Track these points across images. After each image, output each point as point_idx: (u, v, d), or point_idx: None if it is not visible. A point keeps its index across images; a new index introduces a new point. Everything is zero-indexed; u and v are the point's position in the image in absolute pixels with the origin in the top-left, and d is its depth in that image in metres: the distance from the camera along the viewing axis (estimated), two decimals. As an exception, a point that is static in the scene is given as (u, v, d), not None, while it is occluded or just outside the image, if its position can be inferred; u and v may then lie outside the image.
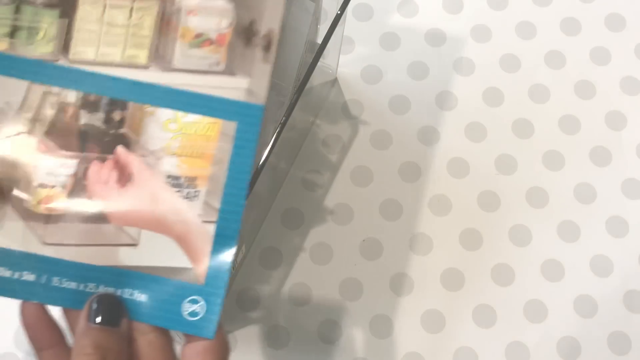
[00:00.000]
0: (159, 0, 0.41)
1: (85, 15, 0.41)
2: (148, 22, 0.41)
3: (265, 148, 0.58)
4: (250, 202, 0.57)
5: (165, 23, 0.41)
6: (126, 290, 0.40)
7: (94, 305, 0.39)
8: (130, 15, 0.41)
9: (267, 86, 0.40)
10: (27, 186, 0.40)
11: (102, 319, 0.38)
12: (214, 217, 0.40)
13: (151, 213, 0.39)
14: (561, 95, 0.78)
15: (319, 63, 0.60)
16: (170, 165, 0.40)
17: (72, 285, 0.40)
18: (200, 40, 0.41)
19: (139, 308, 0.39)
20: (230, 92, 0.40)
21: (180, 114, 0.40)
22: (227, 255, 0.39)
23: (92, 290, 0.40)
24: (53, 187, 0.40)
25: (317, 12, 0.61)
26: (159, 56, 0.41)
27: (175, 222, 0.39)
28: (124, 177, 0.40)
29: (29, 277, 0.41)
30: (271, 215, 0.72)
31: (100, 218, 0.40)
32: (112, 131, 0.41)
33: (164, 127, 0.40)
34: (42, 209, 0.40)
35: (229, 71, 0.41)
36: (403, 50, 0.79)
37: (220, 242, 0.39)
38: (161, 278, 0.40)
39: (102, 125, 0.41)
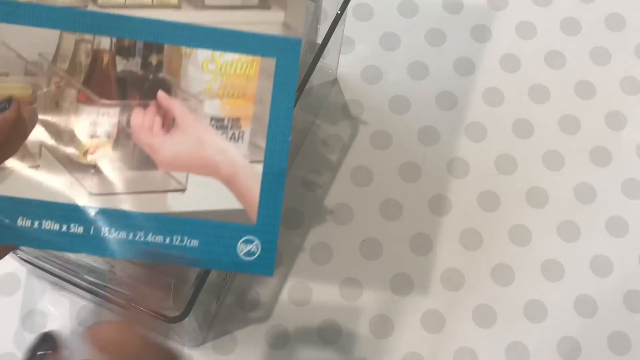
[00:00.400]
0: None
1: None
2: None
3: None
4: None
5: None
6: (176, 236, 0.39)
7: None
8: None
9: (303, 18, 0.39)
10: (70, 138, 0.40)
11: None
12: (261, 157, 0.39)
13: (198, 156, 0.39)
14: (561, 95, 0.78)
15: (319, 63, 0.60)
16: (212, 107, 0.39)
17: (122, 235, 0.39)
18: None
19: (192, 254, 0.39)
20: (266, 27, 0.39)
21: (217, 53, 0.39)
22: (277, 193, 0.39)
23: (141, 239, 0.39)
24: (97, 137, 0.40)
25: (317, 12, 0.61)
26: None
27: (222, 163, 0.39)
28: (168, 122, 0.39)
29: (77, 229, 0.40)
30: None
31: (146, 165, 0.40)
32: (150, 76, 0.40)
33: (203, 69, 0.39)
34: (87, 159, 0.40)
35: (264, 5, 0.40)
36: (403, 50, 0.79)
37: (269, 181, 0.39)
38: (212, 222, 0.39)
39: (139, 71, 0.40)
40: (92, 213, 0.40)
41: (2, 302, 0.68)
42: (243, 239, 0.39)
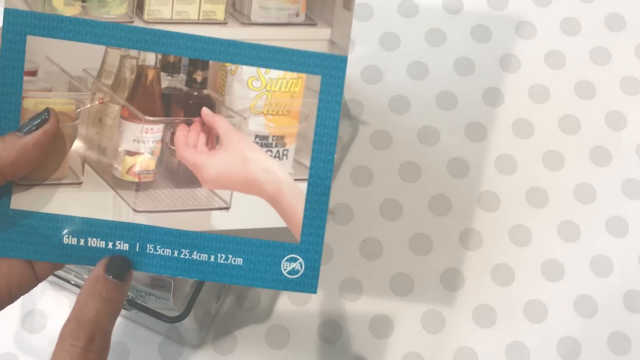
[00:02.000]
0: None
1: None
2: None
3: None
4: None
5: None
6: (220, 254, 0.39)
7: (110, 261, 0.39)
8: None
9: (349, 36, 0.39)
10: (114, 154, 0.40)
11: (114, 274, 0.39)
12: (305, 175, 0.39)
13: (243, 174, 0.39)
14: (561, 95, 0.78)
15: None
16: (257, 124, 0.39)
17: (167, 252, 0.40)
18: None
19: (236, 272, 0.39)
20: (312, 44, 0.39)
21: (263, 70, 0.39)
22: (322, 212, 0.39)
23: (186, 257, 0.39)
24: (140, 153, 0.40)
25: None
26: (236, 10, 0.39)
27: (267, 182, 0.39)
28: (212, 139, 0.39)
29: (122, 246, 0.40)
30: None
31: (190, 182, 0.40)
32: (195, 93, 0.40)
33: (248, 85, 0.39)
34: (130, 176, 0.40)
35: (309, 21, 0.40)
36: (403, 50, 0.79)
37: (313, 199, 0.39)
38: (256, 240, 0.39)
39: (184, 87, 0.40)
40: (136, 230, 0.40)
41: (2, 302, 0.68)
42: (287, 258, 0.39)
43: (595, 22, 0.81)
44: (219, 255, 0.39)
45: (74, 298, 0.68)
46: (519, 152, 0.75)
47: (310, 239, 0.39)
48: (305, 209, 0.39)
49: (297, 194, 0.39)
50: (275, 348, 0.68)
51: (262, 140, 0.39)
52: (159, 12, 0.40)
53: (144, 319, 0.63)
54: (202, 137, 0.39)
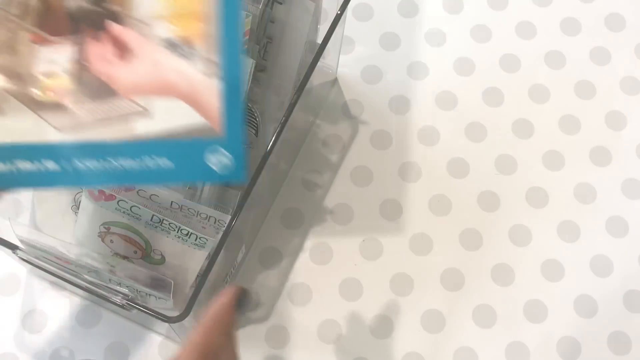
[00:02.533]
0: None
1: None
2: None
3: (265, 148, 0.58)
4: (249, 203, 0.57)
5: None
6: (147, 158, 0.40)
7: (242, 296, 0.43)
8: None
9: None
10: (31, 78, 0.41)
11: (242, 310, 0.43)
12: (217, 70, 0.40)
13: (157, 79, 0.40)
14: (561, 95, 0.78)
15: (319, 63, 0.60)
16: (163, 30, 0.40)
17: (95, 164, 0.40)
18: None
19: (165, 172, 0.40)
20: None
21: None
22: (238, 103, 0.40)
23: (114, 166, 0.40)
24: (56, 73, 0.41)
25: (317, 12, 0.61)
26: None
27: (181, 82, 0.40)
28: (123, 50, 0.40)
29: (51, 165, 0.41)
30: (271, 215, 0.72)
31: (108, 94, 0.41)
32: (99, 8, 0.41)
33: None
34: (50, 97, 0.41)
35: None
36: (403, 50, 0.79)
37: (228, 91, 0.40)
38: (180, 140, 0.40)
39: (88, 5, 0.41)
40: (62, 148, 0.40)
41: (2, 302, 0.68)
42: (212, 151, 0.40)
43: (595, 22, 0.81)
44: (146, 159, 0.40)
45: (74, 298, 0.68)
46: (519, 152, 0.75)
47: (231, 130, 0.40)
48: (222, 101, 0.40)
49: (211, 89, 0.40)
50: (275, 348, 0.68)
51: (170, 44, 0.41)
52: None
53: (143, 319, 0.63)
54: (113, 50, 0.40)
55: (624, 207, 0.73)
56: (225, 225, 0.56)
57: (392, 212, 0.73)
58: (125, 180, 0.41)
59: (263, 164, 0.57)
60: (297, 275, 0.70)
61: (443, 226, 0.72)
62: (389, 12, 0.80)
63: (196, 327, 0.43)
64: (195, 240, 0.56)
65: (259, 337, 0.68)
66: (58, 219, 0.64)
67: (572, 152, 0.75)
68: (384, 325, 0.69)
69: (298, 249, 0.71)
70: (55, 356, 0.67)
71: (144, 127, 0.40)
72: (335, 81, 0.77)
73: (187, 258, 0.58)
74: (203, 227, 0.57)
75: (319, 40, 0.61)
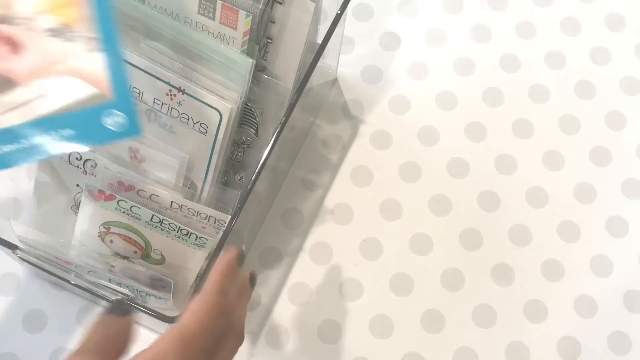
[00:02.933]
0: None
1: None
2: None
3: (265, 148, 0.58)
4: (249, 203, 0.57)
5: None
6: (53, 132, 0.45)
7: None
8: None
9: None
10: None
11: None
12: (98, 44, 0.46)
13: (47, 63, 0.45)
14: (561, 95, 0.78)
15: (318, 63, 0.60)
16: (46, 21, 0.45)
17: (10, 147, 0.45)
18: None
19: (70, 141, 0.45)
20: None
21: None
22: (120, 67, 0.45)
23: (26, 145, 0.45)
24: None
25: (317, 12, 0.61)
26: None
27: (68, 62, 0.45)
28: (15, 46, 0.45)
29: None
30: (271, 215, 0.72)
31: (10, 85, 0.45)
32: None
33: None
34: None
35: None
36: (403, 50, 0.79)
37: (110, 60, 0.45)
38: (77, 111, 0.45)
39: None
40: None
41: (2, 302, 0.68)
42: (107, 114, 0.45)
43: (595, 22, 0.81)
44: (52, 133, 0.45)
45: (74, 298, 0.68)
46: (519, 152, 0.75)
47: (119, 92, 0.45)
48: (107, 68, 0.45)
49: (96, 62, 0.45)
50: (276, 348, 0.68)
51: (53, 33, 0.46)
52: None
53: (144, 319, 0.63)
54: (6, 47, 0.45)
55: (624, 207, 0.73)
56: (225, 225, 0.56)
57: (392, 212, 0.73)
58: (40, 155, 0.45)
59: (263, 164, 0.57)
60: (297, 275, 0.70)
61: (443, 226, 0.72)
62: (389, 12, 0.81)
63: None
64: (196, 240, 0.56)
65: (259, 337, 0.68)
66: (58, 219, 0.64)
67: (572, 152, 0.75)
68: (384, 325, 0.69)
69: (298, 249, 0.71)
70: (55, 356, 0.67)
71: (44, 107, 0.45)
72: (335, 81, 0.77)
73: (187, 258, 0.58)
74: (203, 227, 0.57)
75: (319, 40, 0.61)
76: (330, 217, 0.72)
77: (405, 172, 0.74)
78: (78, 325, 0.68)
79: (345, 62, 0.78)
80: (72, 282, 0.57)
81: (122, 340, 0.45)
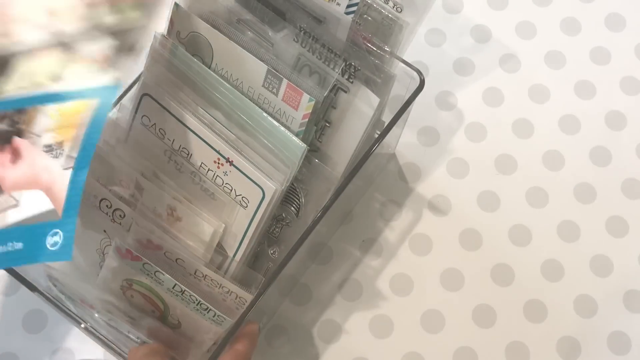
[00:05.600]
0: (63, 48, 0.51)
1: None
2: (53, 63, 0.51)
3: (303, 229, 0.57)
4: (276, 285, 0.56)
5: (65, 58, 0.51)
6: (10, 243, 0.47)
7: None
8: None
9: (128, 75, 0.52)
10: None
11: None
12: (72, 164, 0.48)
13: (31, 175, 0.48)
14: (561, 95, 0.78)
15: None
16: (47, 138, 0.49)
17: None
18: (88, 61, 0.51)
19: (16, 255, 0.46)
20: (102, 82, 0.51)
21: (61, 106, 0.50)
22: (79, 184, 0.47)
23: None
24: None
25: (381, 106, 0.59)
26: (55, 77, 0.50)
27: (45, 176, 0.48)
28: (15, 157, 0.49)
29: None
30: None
31: None
32: (10, 128, 0.49)
33: (50, 115, 0.50)
34: None
35: (104, 71, 0.51)
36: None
37: (74, 179, 0.47)
38: (33, 224, 0.47)
39: (3, 126, 0.50)
40: None
41: (2, 302, 0.68)
42: (51, 233, 0.46)
43: (595, 22, 0.81)
44: (8, 244, 0.47)
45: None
46: (519, 152, 0.75)
47: (68, 212, 0.46)
48: (68, 188, 0.47)
49: (65, 180, 0.47)
50: (276, 348, 0.68)
51: (48, 148, 0.49)
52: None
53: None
54: (8, 157, 0.49)
55: (624, 207, 0.73)
56: (247, 304, 0.55)
57: (392, 212, 0.73)
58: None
59: (295, 249, 0.57)
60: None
61: (443, 226, 0.72)
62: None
63: None
64: (214, 317, 0.55)
65: (259, 337, 0.68)
66: (84, 257, 0.63)
67: (572, 152, 0.75)
68: (384, 325, 0.69)
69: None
70: (55, 356, 0.67)
71: (13, 217, 0.47)
72: (393, 156, 0.75)
73: (203, 330, 0.56)
74: (223, 299, 0.56)
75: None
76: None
77: (406, 172, 0.74)
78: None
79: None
80: (92, 332, 0.57)
81: None
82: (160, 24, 0.55)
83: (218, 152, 0.56)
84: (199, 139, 0.56)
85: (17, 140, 0.49)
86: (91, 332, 0.56)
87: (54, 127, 0.49)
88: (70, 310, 0.56)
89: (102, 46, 0.52)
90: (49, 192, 0.47)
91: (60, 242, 0.46)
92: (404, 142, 0.75)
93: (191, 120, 0.56)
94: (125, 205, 0.55)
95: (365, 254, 0.71)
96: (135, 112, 0.58)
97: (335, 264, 0.71)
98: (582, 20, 0.80)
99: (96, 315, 0.55)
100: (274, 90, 0.57)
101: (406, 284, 0.70)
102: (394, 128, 0.61)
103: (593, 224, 0.73)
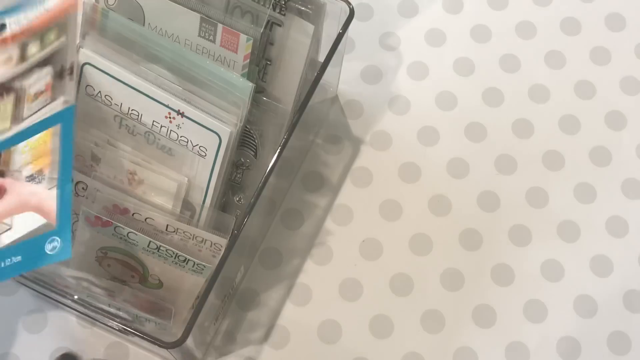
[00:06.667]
0: (14, 93, 0.54)
1: None
2: (9, 108, 0.54)
3: (264, 170, 0.58)
4: (248, 225, 0.57)
5: (18, 100, 0.54)
6: (7, 260, 0.51)
7: None
8: None
9: (74, 93, 0.55)
10: None
11: None
12: (55, 183, 0.52)
13: (18, 203, 0.52)
14: (561, 95, 0.78)
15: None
16: (27, 170, 0.53)
17: None
18: (37, 94, 0.54)
19: (18, 265, 0.51)
20: (57, 107, 0.54)
21: (30, 140, 0.53)
22: (67, 202, 0.51)
23: None
24: None
25: (318, 32, 0.61)
26: (16, 118, 0.54)
27: (33, 199, 0.52)
28: (1, 193, 0.52)
29: None
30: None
31: None
32: None
33: (22, 152, 0.53)
34: None
35: (53, 99, 0.54)
36: (403, 50, 0.79)
37: (61, 195, 0.51)
38: (29, 240, 0.51)
39: None
40: None
41: (2, 302, 0.68)
42: (49, 240, 0.51)
43: (595, 22, 0.81)
44: (6, 260, 0.51)
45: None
46: (519, 152, 0.75)
47: (62, 221, 0.51)
48: (57, 201, 0.51)
49: (51, 197, 0.52)
50: (276, 348, 0.68)
51: (29, 177, 0.52)
52: None
53: (143, 342, 0.62)
54: None
55: (624, 207, 0.73)
56: (222, 249, 0.56)
57: (392, 212, 0.73)
58: None
59: (262, 187, 0.57)
60: (297, 275, 0.70)
61: (443, 226, 0.72)
62: (389, 12, 0.80)
63: None
64: (193, 266, 0.56)
65: (259, 337, 0.68)
66: None
67: (572, 152, 0.75)
68: (384, 325, 0.69)
69: (298, 250, 0.71)
70: (55, 356, 0.67)
71: (8, 238, 0.51)
72: (335, 98, 0.76)
73: (184, 283, 0.58)
74: (199, 250, 0.57)
75: (321, 59, 0.61)
76: (330, 218, 0.72)
77: (406, 172, 0.74)
78: (78, 325, 0.68)
79: (344, 61, 0.77)
80: (71, 306, 0.57)
81: None
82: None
83: (167, 107, 0.57)
84: (147, 97, 0.57)
85: (1, 180, 0.53)
86: (82, 304, 0.56)
87: (30, 159, 0.53)
88: (48, 294, 0.57)
89: (42, 77, 0.55)
90: (39, 210, 0.52)
91: (59, 245, 0.50)
92: (400, 139, 0.75)
93: (135, 80, 0.56)
94: (86, 176, 0.57)
95: (365, 254, 0.71)
96: (79, 84, 0.58)
97: (335, 264, 0.71)
98: (582, 20, 0.80)
99: (73, 293, 0.56)
100: (211, 37, 0.58)
101: (406, 284, 0.70)
102: (333, 66, 0.62)
103: (593, 224, 0.73)
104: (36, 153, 0.53)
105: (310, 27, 0.59)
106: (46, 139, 0.53)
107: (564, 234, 0.72)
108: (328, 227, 0.72)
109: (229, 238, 0.56)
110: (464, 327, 0.69)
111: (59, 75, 0.55)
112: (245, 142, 0.61)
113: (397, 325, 0.69)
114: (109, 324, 0.56)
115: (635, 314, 0.70)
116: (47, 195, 0.52)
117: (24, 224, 0.51)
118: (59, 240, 0.50)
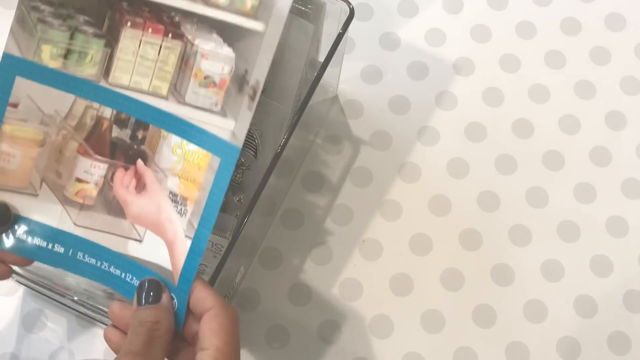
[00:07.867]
0: (182, 42, 0.48)
1: (125, 47, 0.49)
2: (172, 60, 0.49)
3: (264, 170, 0.58)
4: (247, 228, 0.57)
5: (185, 62, 0.49)
6: (129, 274, 0.48)
7: (137, 291, 0.47)
8: (159, 52, 0.49)
9: (246, 131, 0.47)
10: (67, 178, 0.50)
11: (144, 300, 0.46)
12: (192, 234, 0.47)
13: (155, 218, 0.48)
14: (561, 95, 0.78)
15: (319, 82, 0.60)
16: (172, 183, 0.48)
17: (92, 261, 0.49)
18: (208, 81, 0.49)
19: (131, 289, 0.48)
20: (220, 131, 0.47)
21: (185, 142, 0.48)
22: (194, 267, 0.47)
23: (105, 268, 0.49)
24: (87, 182, 0.50)
25: (318, 32, 0.61)
26: (176, 90, 0.49)
27: (170, 230, 0.48)
28: (140, 185, 0.49)
29: (59, 249, 0.49)
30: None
31: (119, 214, 0.49)
32: (135, 146, 0.49)
33: (173, 151, 0.49)
34: (77, 198, 0.50)
35: (223, 112, 0.48)
36: (403, 50, 0.79)
37: (191, 256, 0.47)
38: (151, 271, 0.48)
39: (128, 140, 0.49)
40: (73, 239, 0.49)
41: (2, 302, 0.69)
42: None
43: (595, 22, 0.81)
44: (127, 275, 0.48)
45: (74, 298, 0.68)
46: (519, 152, 0.75)
47: (183, 286, 0.47)
48: (185, 261, 0.47)
49: (184, 247, 0.47)
50: (275, 348, 0.68)
51: (173, 197, 0.48)
52: (120, 79, 0.49)
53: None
54: (134, 182, 0.49)
55: (624, 207, 0.73)
56: (223, 249, 0.56)
57: (392, 212, 0.73)
58: (109, 284, 0.49)
59: (262, 186, 0.57)
60: (297, 275, 0.70)
61: (443, 226, 0.72)
62: (389, 12, 0.80)
63: None
64: None
65: (259, 337, 0.68)
66: None
67: (572, 152, 0.75)
68: (384, 325, 0.69)
69: (298, 250, 0.71)
70: (55, 356, 0.67)
71: (135, 250, 0.49)
72: (335, 98, 0.76)
73: None
74: None
75: (321, 59, 0.61)
76: (330, 218, 0.72)
77: (406, 172, 0.74)
78: (78, 325, 0.68)
79: (344, 61, 0.77)
80: (71, 307, 0.57)
81: (162, 331, 0.45)
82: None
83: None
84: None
85: (141, 166, 0.49)
86: (80, 304, 0.56)
87: (180, 172, 0.49)
88: (49, 294, 0.57)
89: (220, 58, 0.48)
90: (170, 250, 0.48)
91: (175, 307, 0.47)
92: (400, 139, 0.75)
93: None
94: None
95: (365, 254, 0.71)
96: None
97: (335, 264, 0.71)
98: (582, 20, 0.80)
99: (72, 294, 0.57)
100: None
101: (406, 283, 0.70)
102: (333, 66, 0.62)
103: (593, 224, 0.73)
104: (187, 170, 0.48)
105: (310, 27, 0.59)
106: (201, 164, 0.48)
107: (564, 234, 0.72)
108: (328, 227, 0.72)
109: (229, 238, 0.56)
110: (464, 327, 0.69)
111: (239, 82, 0.48)
112: (245, 142, 0.60)
113: (397, 325, 0.69)
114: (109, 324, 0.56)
115: (635, 314, 0.70)
116: (182, 241, 0.47)
117: (154, 248, 0.48)
118: (175, 303, 0.47)
